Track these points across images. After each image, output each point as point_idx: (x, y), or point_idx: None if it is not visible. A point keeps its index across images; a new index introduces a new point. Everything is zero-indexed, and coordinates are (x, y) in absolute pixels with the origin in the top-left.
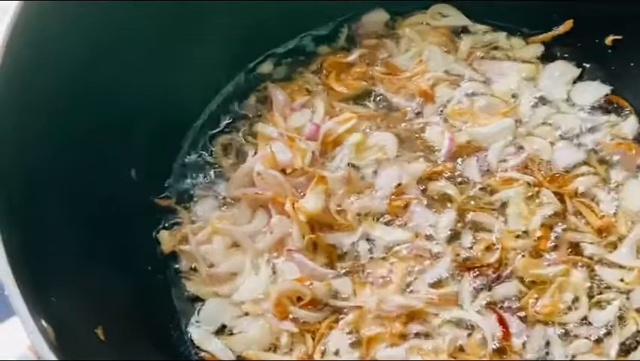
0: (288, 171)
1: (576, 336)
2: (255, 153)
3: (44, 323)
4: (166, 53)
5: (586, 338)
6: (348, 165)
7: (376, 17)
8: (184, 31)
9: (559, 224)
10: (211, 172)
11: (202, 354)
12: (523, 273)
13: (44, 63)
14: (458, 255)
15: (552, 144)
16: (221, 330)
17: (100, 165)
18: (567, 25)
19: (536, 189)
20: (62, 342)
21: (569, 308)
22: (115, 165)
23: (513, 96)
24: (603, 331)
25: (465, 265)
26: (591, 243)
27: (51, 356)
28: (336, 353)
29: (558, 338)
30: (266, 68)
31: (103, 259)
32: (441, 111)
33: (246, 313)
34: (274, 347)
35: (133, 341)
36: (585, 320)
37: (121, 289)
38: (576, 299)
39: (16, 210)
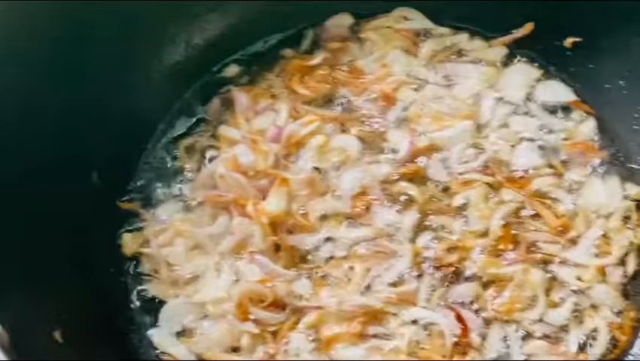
0: (251, 173)
1: (533, 334)
2: (218, 156)
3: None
4: (128, 56)
5: (544, 335)
6: (312, 167)
7: (341, 21)
8: (147, 33)
9: (518, 224)
10: (174, 175)
11: (163, 356)
12: (482, 272)
13: (3, 62)
14: (418, 254)
15: (512, 145)
16: (182, 332)
17: (61, 168)
18: (528, 28)
19: (496, 190)
20: (19, 343)
21: (527, 306)
22: (77, 168)
23: (474, 99)
24: (559, 329)
25: (425, 265)
26: (549, 242)
27: (2, 356)
28: (297, 353)
29: (516, 335)
30: (230, 71)
31: (64, 262)
32: (403, 114)
33: (207, 315)
34: (235, 349)
35: (92, 343)
36: (542, 318)
37: (82, 291)
38: (533, 298)
39: None
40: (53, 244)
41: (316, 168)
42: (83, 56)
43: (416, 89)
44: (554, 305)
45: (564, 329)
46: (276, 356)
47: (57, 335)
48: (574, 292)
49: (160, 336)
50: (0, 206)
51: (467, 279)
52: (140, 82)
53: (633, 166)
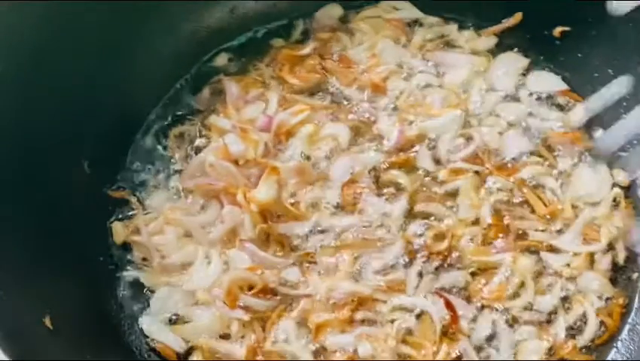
0: (241, 162)
1: (522, 320)
2: (208, 145)
3: None
4: (119, 46)
5: (533, 321)
6: (302, 156)
7: (331, 11)
8: (138, 23)
9: (508, 212)
10: (165, 164)
11: (153, 344)
12: (471, 260)
13: None
14: (408, 243)
15: (501, 133)
16: (172, 319)
17: (52, 158)
18: (516, 18)
19: (486, 178)
20: (9, 332)
21: (516, 293)
22: (68, 157)
23: (464, 88)
24: (548, 315)
25: (415, 253)
26: (538, 230)
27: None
28: (286, 340)
29: (504, 322)
30: (220, 61)
31: (54, 250)
32: (393, 103)
33: (197, 303)
34: (225, 336)
35: (83, 331)
36: (531, 305)
37: (72, 279)
38: (522, 285)
39: None
40: (44, 233)
41: (306, 157)
42: (73, 45)
43: (405, 79)
44: (543, 292)
45: (553, 315)
46: (266, 343)
47: (47, 321)
48: (563, 278)
49: (149, 324)
50: None
51: (457, 267)
52: (131, 71)
53: (621, 154)
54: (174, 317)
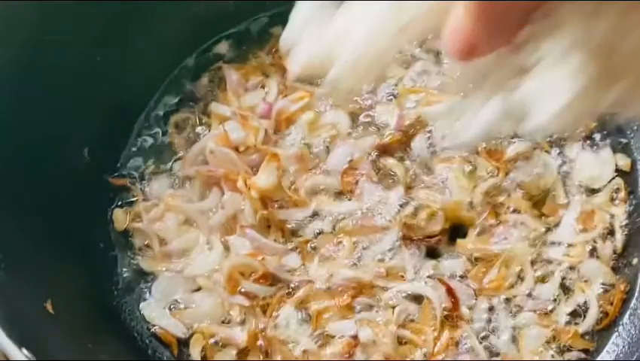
0: (241, 149)
1: (523, 308)
2: (208, 132)
3: None
4: (118, 31)
5: (533, 309)
6: (302, 142)
7: None
8: (136, 10)
9: (502, 199)
10: (165, 151)
11: (154, 329)
12: (469, 248)
13: None
14: (406, 225)
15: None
16: (173, 305)
17: (53, 145)
18: None
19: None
20: (10, 315)
21: (516, 282)
22: (68, 144)
23: None
24: (549, 302)
25: (412, 237)
26: (535, 217)
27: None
28: (287, 326)
29: (505, 309)
30: (220, 48)
31: (55, 237)
32: (393, 90)
33: (198, 289)
34: (226, 321)
35: (84, 316)
36: (531, 293)
37: (73, 265)
38: (521, 273)
39: None
40: (46, 220)
41: (306, 144)
42: (71, 32)
43: (405, 66)
44: (543, 280)
45: (554, 302)
46: (267, 328)
47: (49, 306)
48: (562, 266)
49: (150, 309)
50: None
51: (457, 253)
52: (130, 59)
53: (622, 140)
54: (175, 303)
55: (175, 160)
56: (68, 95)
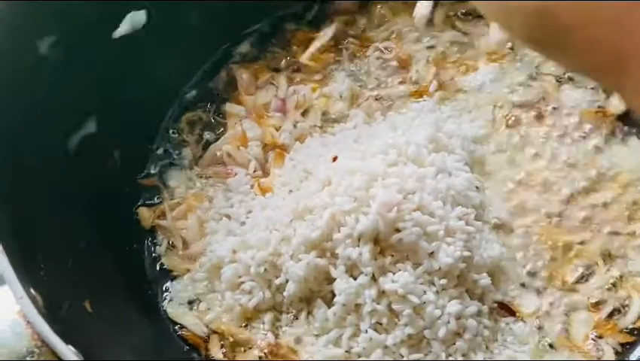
0: (258, 146)
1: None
2: (225, 132)
3: (32, 291)
4: (142, 35)
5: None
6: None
7: None
8: (161, 10)
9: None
10: (187, 150)
11: (178, 329)
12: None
13: (19, 48)
14: None
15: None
16: (195, 304)
17: (86, 149)
18: None
19: None
20: (51, 311)
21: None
22: (101, 148)
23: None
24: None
25: None
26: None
27: (40, 320)
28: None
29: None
30: (239, 48)
31: (89, 237)
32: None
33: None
34: (247, 322)
35: (119, 314)
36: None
37: (105, 264)
38: (591, 266)
39: (4, 193)
40: (78, 220)
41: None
42: (97, 32)
43: (432, 47)
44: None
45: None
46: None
47: (87, 305)
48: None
49: (173, 308)
50: (27, 188)
51: None
52: (154, 61)
53: None
54: (196, 302)
55: (197, 159)
56: (98, 101)
